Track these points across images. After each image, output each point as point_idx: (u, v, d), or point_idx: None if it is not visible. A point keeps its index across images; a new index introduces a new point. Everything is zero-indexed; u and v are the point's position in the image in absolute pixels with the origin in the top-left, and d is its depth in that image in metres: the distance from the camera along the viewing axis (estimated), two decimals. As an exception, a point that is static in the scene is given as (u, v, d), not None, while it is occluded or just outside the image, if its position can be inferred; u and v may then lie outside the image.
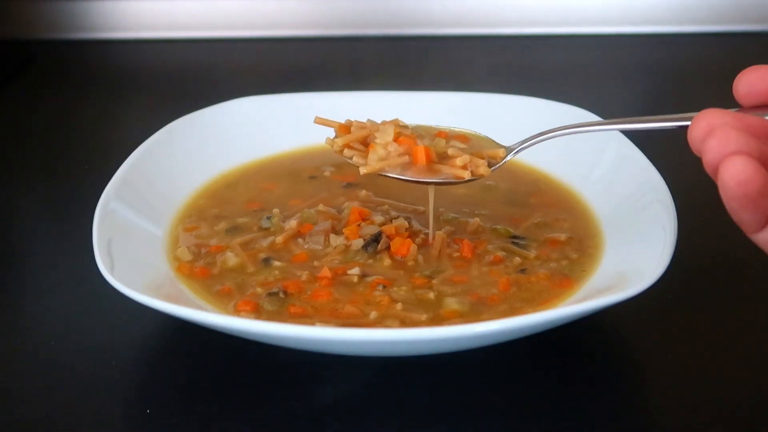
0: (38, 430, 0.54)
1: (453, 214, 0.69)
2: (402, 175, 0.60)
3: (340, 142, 0.62)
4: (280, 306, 0.60)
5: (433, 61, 1.16)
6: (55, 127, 0.98)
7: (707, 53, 1.16)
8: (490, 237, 0.66)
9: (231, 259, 0.64)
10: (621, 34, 1.18)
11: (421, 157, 0.60)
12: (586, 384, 0.56)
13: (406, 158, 0.61)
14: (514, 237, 0.66)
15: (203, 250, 0.65)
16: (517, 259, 0.64)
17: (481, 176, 0.61)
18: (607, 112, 0.77)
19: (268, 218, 0.68)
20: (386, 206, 0.70)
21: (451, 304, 0.59)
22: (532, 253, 0.64)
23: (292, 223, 0.67)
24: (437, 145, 0.62)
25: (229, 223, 0.69)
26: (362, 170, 0.61)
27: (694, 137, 0.44)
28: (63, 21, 1.19)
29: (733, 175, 0.42)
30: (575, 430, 0.53)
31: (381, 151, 0.61)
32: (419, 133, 0.64)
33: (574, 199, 0.71)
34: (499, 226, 0.68)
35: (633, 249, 0.61)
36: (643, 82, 1.10)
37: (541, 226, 0.68)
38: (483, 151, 0.63)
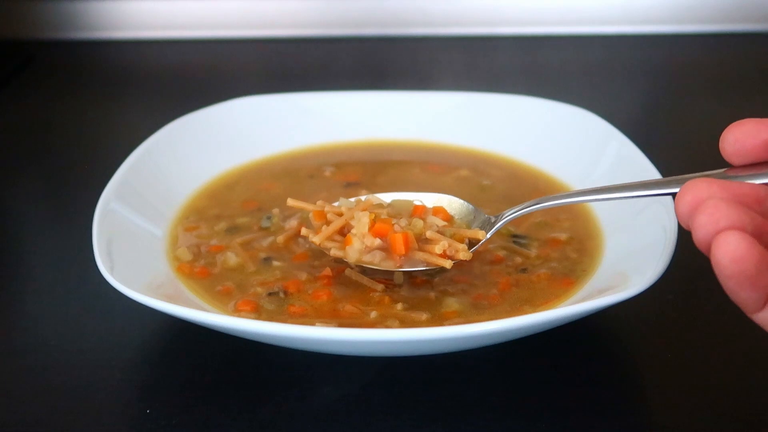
0: (38, 430, 0.54)
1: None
2: (382, 267, 0.59)
3: (317, 239, 0.61)
4: (280, 306, 0.60)
5: (434, 61, 1.16)
6: (55, 127, 0.98)
7: (707, 53, 1.16)
8: (491, 236, 0.66)
9: (231, 258, 0.64)
10: (621, 34, 1.18)
11: (399, 247, 0.59)
12: (586, 384, 0.56)
13: (383, 254, 0.60)
14: (515, 236, 0.66)
15: (203, 250, 0.66)
16: (518, 259, 0.64)
17: (461, 260, 0.59)
18: (607, 112, 0.77)
19: (268, 218, 0.69)
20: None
21: (451, 304, 0.59)
22: (533, 253, 0.64)
23: (293, 223, 0.67)
24: (415, 227, 0.61)
25: (229, 223, 0.69)
26: (349, 262, 0.60)
27: (681, 212, 0.42)
28: (63, 21, 1.19)
29: (727, 252, 0.39)
30: (575, 430, 0.53)
31: (358, 245, 0.59)
32: (395, 209, 0.63)
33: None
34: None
35: (633, 249, 0.61)
36: (644, 82, 1.10)
37: (542, 225, 0.68)
38: (462, 232, 0.61)
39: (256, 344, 0.56)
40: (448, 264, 0.58)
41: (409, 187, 0.69)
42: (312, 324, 0.56)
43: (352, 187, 0.74)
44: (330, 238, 0.61)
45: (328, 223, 0.62)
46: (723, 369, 0.57)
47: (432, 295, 0.60)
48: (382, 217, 0.61)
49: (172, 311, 0.53)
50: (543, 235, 0.67)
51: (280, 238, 0.66)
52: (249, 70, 1.15)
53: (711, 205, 0.40)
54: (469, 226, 0.63)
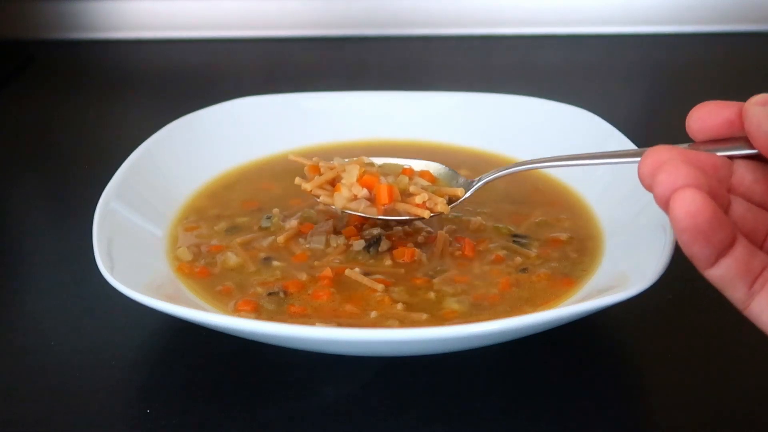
0: (38, 430, 0.54)
1: (455, 213, 0.69)
2: (366, 214, 0.63)
3: (308, 186, 0.65)
4: (280, 306, 0.60)
5: (434, 61, 1.16)
6: (55, 127, 0.98)
7: (707, 53, 1.16)
8: (492, 236, 0.66)
9: (231, 258, 0.64)
10: (621, 35, 1.18)
11: (384, 197, 0.63)
12: (586, 384, 0.56)
13: (368, 203, 0.63)
14: (516, 236, 0.66)
15: (203, 250, 0.66)
16: (518, 259, 0.64)
17: (440, 213, 0.63)
18: (607, 112, 0.77)
19: (268, 218, 0.69)
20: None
21: (452, 303, 0.59)
22: (533, 253, 0.64)
23: (293, 223, 0.67)
24: (400, 182, 0.65)
25: (228, 223, 0.69)
26: (336, 208, 0.64)
27: (643, 173, 0.45)
28: (63, 21, 1.19)
29: (682, 206, 0.42)
30: (575, 430, 0.53)
31: (346, 192, 0.63)
32: (385, 171, 0.66)
33: (574, 198, 0.71)
34: (500, 225, 0.68)
35: (633, 249, 0.61)
36: (644, 81, 1.10)
37: (542, 225, 0.68)
38: (443, 189, 0.65)
39: (256, 344, 0.56)
40: (426, 214, 0.62)
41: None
42: (312, 324, 0.56)
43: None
44: (321, 187, 0.65)
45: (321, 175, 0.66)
46: (723, 369, 0.57)
47: (432, 295, 0.60)
48: (370, 171, 0.65)
49: (172, 311, 0.53)
50: (543, 234, 0.67)
51: (280, 238, 0.66)
52: (249, 70, 1.15)
53: (671, 164, 0.43)
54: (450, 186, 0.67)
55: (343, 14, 1.19)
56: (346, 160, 0.67)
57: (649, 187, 0.45)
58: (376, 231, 0.65)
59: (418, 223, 0.67)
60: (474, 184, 0.65)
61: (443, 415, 0.54)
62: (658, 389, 0.56)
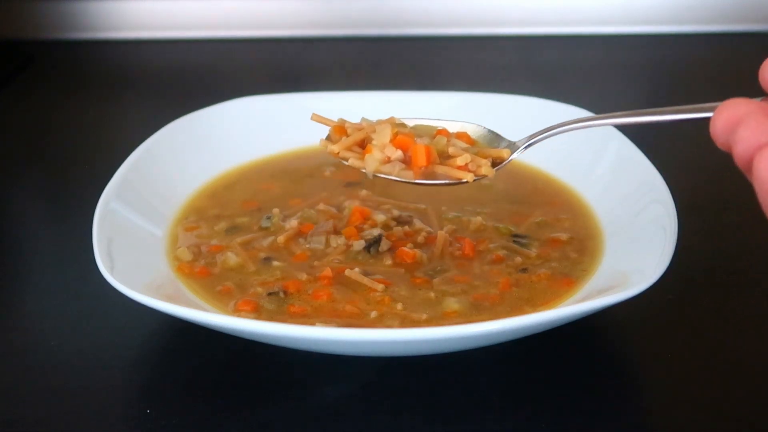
0: (38, 430, 0.54)
1: (455, 213, 0.69)
2: (401, 177, 0.58)
3: (336, 148, 0.60)
4: (280, 306, 0.60)
5: (434, 61, 1.16)
6: (55, 127, 0.98)
7: (708, 53, 1.16)
8: (492, 236, 0.66)
9: (231, 258, 0.64)
10: (622, 34, 1.18)
11: (421, 158, 0.58)
12: (586, 384, 0.56)
13: (402, 165, 0.58)
14: (516, 236, 0.66)
15: (203, 250, 0.65)
16: (518, 259, 0.64)
17: (484, 176, 0.58)
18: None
19: (268, 218, 0.68)
20: (387, 205, 0.69)
21: (452, 303, 0.59)
22: (533, 252, 0.64)
23: (293, 223, 0.67)
24: (437, 143, 0.59)
25: (228, 223, 0.69)
26: (367, 172, 0.59)
27: (718, 128, 0.41)
28: (63, 21, 1.19)
29: None
30: (575, 430, 0.53)
31: (378, 154, 0.58)
32: (418, 132, 0.61)
33: (574, 198, 0.71)
34: (500, 225, 0.68)
35: (633, 249, 0.61)
36: (644, 82, 1.10)
37: (542, 225, 0.68)
38: (486, 150, 0.60)
39: (256, 344, 0.56)
40: (469, 176, 0.57)
41: (412, 185, 0.70)
42: (312, 324, 0.56)
43: (352, 186, 0.74)
44: (349, 149, 0.60)
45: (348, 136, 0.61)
46: (723, 369, 0.57)
47: (432, 295, 0.60)
48: (404, 132, 0.60)
49: (172, 311, 0.53)
50: (543, 234, 0.67)
51: (280, 238, 0.66)
52: (249, 70, 1.15)
53: (753, 119, 0.39)
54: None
55: (343, 14, 1.19)
56: (374, 120, 0.62)
57: (724, 145, 0.41)
58: (376, 231, 0.65)
59: (418, 223, 0.67)
60: (521, 144, 0.60)
61: (443, 415, 0.54)
62: (658, 389, 0.56)
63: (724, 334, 0.60)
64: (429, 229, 0.67)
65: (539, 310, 0.58)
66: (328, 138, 0.62)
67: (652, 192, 0.65)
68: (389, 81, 1.09)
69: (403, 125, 0.61)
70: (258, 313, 0.59)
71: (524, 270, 0.63)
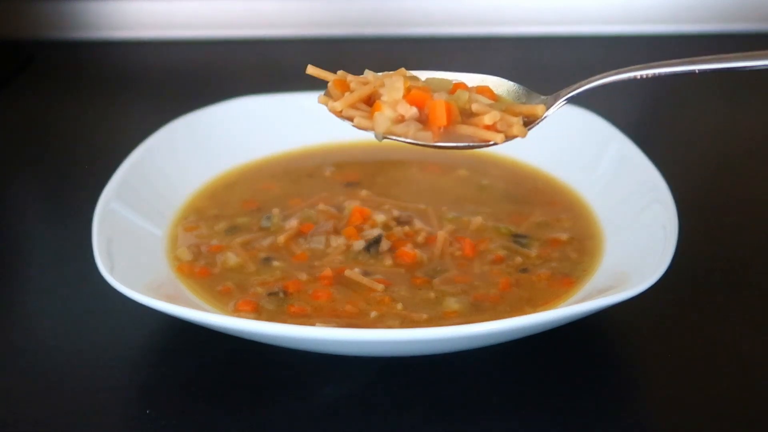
0: (38, 430, 0.54)
1: (455, 213, 0.69)
2: (417, 140, 0.50)
3: (339, 105, 0.52)
4: (280, 306, 0.60)
5: (433, 60, 1.16)
6: (55, 127, 0.98)
7: (708, 53, 1.16)
8: (492, 236, 0.66)
9: (231, 259, 0.64)
10: (621, 34, 1.18)
11: (441, 116, 0.50)
12: (586, 384, 0.56)
13: (419, 125, 0.51)
14: (516, 236, 0.66)
15: (203, 250, 0.65)
16: (519, 259, 0.64)
17: (515, 137, 0.51)
18: (607, 111, 0.77)
19: (268, 218, 0.68)
20: (387, 205, 0.69)
21: (452, 303, 0.59)
22: (533, 253, 0.64)
23: (293, 223, 0.67)
24: (459, 99, 0.51)
25: (228, 223, 0.69)
26: (376, 134, 0.51)
27: None
28: (63, 21, 1.19)
29: None
30: (575, 430, 0.53)
31: (389, 112, 0.51)
32: (432, 86, 0.53)
33: (574, 198, 0.71)
34: (500, 225, 0.67)
35: (634, 249, 0.61)
36: (644, 81, 1.10)
37: (543, 225, 0.68)
38: (515, 107, 0.52)
39: (256, 344, 0.56)
40: (499, 138, 0.50)
41: (411, 184, 0.69)
42: (312, 324, 0.56)
43: (352, 186, 0.74)
44: (354, 106, 0.52)
45: (352, 92, 0.53)
46: (723, 370, 0.57)
47: (432, 295, 0.60)
48: (419, 86, 0.52)
49: (172, 311, 0.53)
50: (543, 234, 0.67)
51: (282, 238, 0.66)
52: (249, 70, 1.15)
53: None
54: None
55: (343, 14, 1.19)
56: (380, 74, 0.54)
57: None
58: (376, 231, 0.65)
59: (418, 224, 0.67)
60: (557, 100, 0.53)
61: (443, 415, 0.54)
62: (658, 390, 0.56)
63: (724, 334, 0.60)
64: (429, 229, 0.67)
65: (539, 310, 0.58)
66: (328, 94, 0.54)
67: (652, 192, 0.65)
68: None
69: (416, 78, 0.54)
70: (258, 313, 0.59)
71: (524, 270, 0.63)
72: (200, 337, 0.59)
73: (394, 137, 0.51)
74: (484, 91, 0.54)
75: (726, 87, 1.03)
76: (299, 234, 0.66)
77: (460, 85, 0.53)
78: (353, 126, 0.52)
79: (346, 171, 0.76)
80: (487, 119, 0.50)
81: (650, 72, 0.53)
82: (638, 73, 0.53)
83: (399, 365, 0.57)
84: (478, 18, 1.19)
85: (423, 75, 0.55)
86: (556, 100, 0.53)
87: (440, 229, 0.66)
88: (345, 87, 0.53)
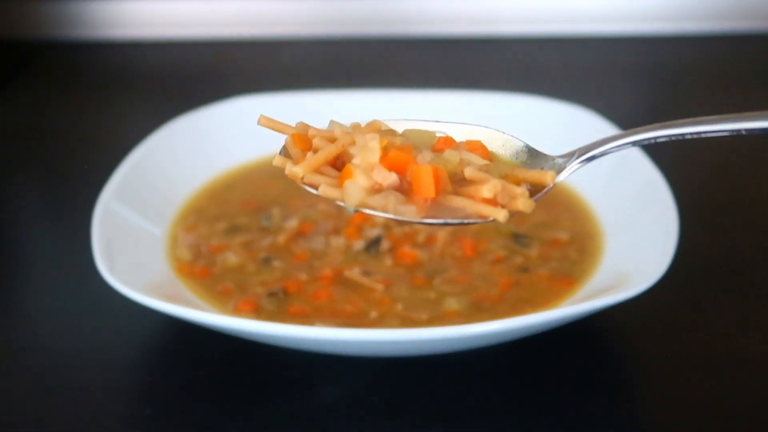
0: (38, 430, 0.54)
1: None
2: (399, 215, 0.42)
3: (299, 170, 0.43)
4: (280, 306, 0.59)
5: (433, 60, 1.16)
6: (55, 127, 0.98)
7: (709, 53, 1.16)
8: (492, 236, 0.66)
9: (231, 258, 0.64)
10: (622, 34, 1.18)
11: (427, 187, 0.41)
12: (585, 385, 0.56)
13: (400, 196, 0.42)
14: (516, 236, 0.66)
15: (203, 250, 0.65)
16: (519, 259, 0.64)
17: (519, 212, 0.42)
18: (608, 111, 0.77)
19: (268, 218, 0.68)
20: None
21: (452, 303, 0.59)
22: (534, 253, 0.64)
23: (293, 223, 0.67)
24: (448, 161, 0.43)
25: (228, 223, 0.69)
26: (347, 207, 0.43)
27: None
28: (62, 21, 1.19)
29: None
30: (575, 430, 0.53)
31: (363, 180, 0.42)
32: (411, 139, 0.45)
33: (574, 198, 0.71)
34: (501, 225, 0.67)
35: (634, 249, 0.61)
36: (645, 81, 1.10)
37: (543, 225, 0.68)
38: (518, 171, 0.43)
39: (256, 344, 0.56)
40: (501, 215, 0.41)
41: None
42: (312, 324, 0.56)
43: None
44: (319, 171, 0.43)
45: (314, 151, 0.44)
46: (724, 370, 0.57)
47: (432, 295, 0.60)
48: (397, 145, 0.43)
49: (172, 311, 0.53)
50: (544, 234, 0.67)
51: (282, 238, 0.66)
52: (249, 70, 1.15)
53: None
54: (519, 166, 0.45)
55: (342, 14, 1.19)
56: (348, 124, 0.46)
57: None
58: (376, 231, 0.65)
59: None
60: (569, 161, 0.44)
61: (443, 415, 0.54)
62: (658, 390, 0.56)
63: (725, 335, 0.60)
64: (429, 229, 0.67)
65: (539, 310, 0.58)
66: (285, 153, 0.46)
67: (652, 192, 0.65)
68: (389, 80, 1.09)
69: (393, 132, 0.45)
70: (258, 313, 0.59)
71: (524, 270, 0.63)
72: (200, 337, 0.59)
73: (369, 211, 0.42)
74: (475, 147, 0.45)
75: (726, 87, 1.03)
76: (299, 234, 0.66)
77: (447, 141, 0.45)
78: (319, 195, 0.43)
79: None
80: (486, 191, 0.41)
81: (675, 132, 0.44)
82: (664, 133, 0.45)
83: (399, 365, 0.57)
84: (478, 17, 1.19)
85: (400, 125, 0.46)
86: (567, 161, 0.44)
87: (440, 229, 0.66)
88: (307, 143, 0.45)
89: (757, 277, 0.67)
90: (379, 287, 0.60)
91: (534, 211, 0.65)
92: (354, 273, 0.61)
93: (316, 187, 0.43)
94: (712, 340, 0.60)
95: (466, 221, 0.42)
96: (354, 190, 0.42)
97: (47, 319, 0.64)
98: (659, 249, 0.57)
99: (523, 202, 0.41)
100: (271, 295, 0.60)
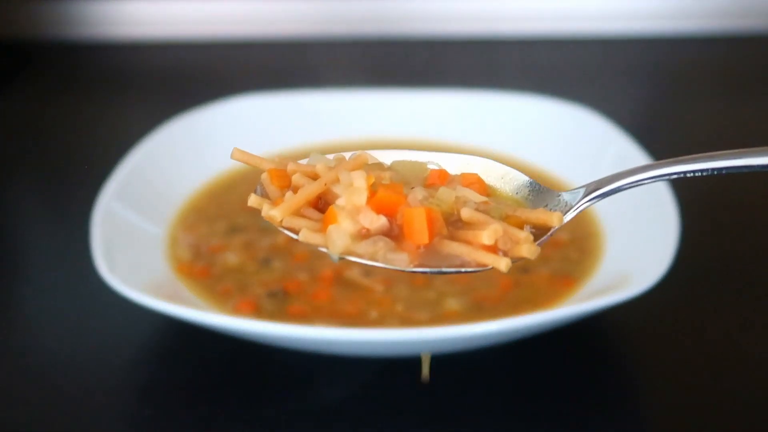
0: (38, 430, 0.53)
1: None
2: (389, 264, 0.38)
3: (277, 213, 0.39)
4: (280, 306, 0.59)
5: (433, 59, 1.16)
6: (54, 127, 0.98)
7: (710, 53, 1.16)
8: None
9: (231, 258, 0.64)
10: (623, 34, 1.18)
11: (420, 232, 0.37)
12: (586, 384, 0.56)
13: (389, 242, 0.39)
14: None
15: (203, 250, 0.65)
16: (519, 259, 0.64)
17: (523, 259, 0.38)
18: (609, 110, 0.77)
19: (268, 218, 0.68)
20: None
21: (452, 303, 0.59)
22: (533, 253, 0.64)
23: (293, 223, 0.67)
24: (442, 200, 0.39)
25: (228, 223, 0.69)
26: (331, 254, 0.38)
27: None
28: (62, 21, 1.19)
29: None
30: (575, 430, 0.53)
31: (348, 225, 0.38)
32: (401, 173, 0.41)
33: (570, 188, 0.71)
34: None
35: (634, 249, 0.61)
36: (646, 80, 1.10)
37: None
38: (520, 211, 0.39)
39: (256, 344, 0.56)
40: (503, 265, 0.38)
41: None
42: (312, 324, 0.56)
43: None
44: (298, 213, 0.39)
45: (294, 190, 0.40)
46: (724, 371, 0.57)
47: (432, 295, 0.60)
48: (385, 182, 0.39)
49: (172, 311, 0.53)
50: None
51: (281, 238, 0.66)
52: (249, 70, 1.15)
53: None
54: (521, 204, 0.41)
55: (342, 14, 1.19)
56: (330, 156, 0.41)
57: None
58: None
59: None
60: (577, 199, 0.40)
61: (443, 415, 0.54)
62: (658, 390, 0.56)
63: (725, 335, 0.60)
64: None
65: (540, 311, 0.58)
66: (262, 193, 0.42)
67: (652, 192, 0.65)
68: (389, 80, 1.09)
69: (381, 166, 0.41)
70: (258, 313, 0.59)
71: (525, 270, 0.63)
72: (200, 337, 0.59)
73: (356, 259, 0.38)
74: (471, 182, 0.40)
75: (727, 86, 1.03)
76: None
77: (441, 176, 0.40)
78: (300, 240, 0.38)
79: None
80: (486, 238, 0.37)
81: (690, 168, 0.40)
82: (678, 169, 0.40)
83: (399, 365, 0.57)
84: (478, 17, 1.19)
85: (389, 156, 0.42)
86: (575, 198, 0.40)
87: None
88: (285, 180, 0.40)
89: (758, 277, 0.67)
90: (379, 287, 0.60)
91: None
92: (354, 273, 0.61)
93: (297, 232, 0.39)
94: (712, 340, 0.60)
95: (463, 270, 0.38)
96: (338, 237, 0.38)
97: (47, 319, 0.64)
98: (659, 249, 0.57)
99: (527, 249, 0.37)
100: (271, 295, 0.60)
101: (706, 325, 0.61)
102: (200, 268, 0.63)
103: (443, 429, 0.53)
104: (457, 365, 0.57)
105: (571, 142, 0.74)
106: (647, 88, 1.09)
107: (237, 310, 0.59)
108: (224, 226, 0.69)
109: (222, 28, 1.19)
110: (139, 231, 0.65)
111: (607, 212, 0.68)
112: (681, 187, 0.66)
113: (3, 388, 0.57)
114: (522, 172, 0.42)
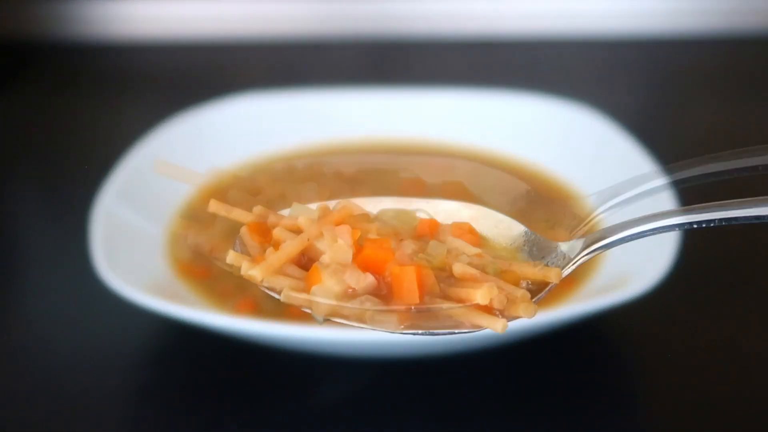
0: (38, 430, 0.53)
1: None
2: (377, 326, 0.35)
3: (258, 273, 0.37)
4: (280, 306, 0.59)
5: (434, 59, 1.16)
6: (53, 127, 0.98)
7: (711, 54, 1.16)
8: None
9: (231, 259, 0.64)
10: (624, 34, 1.18)
11: (410, 292, 0.35)
12: (586, 385, 0.56)
13: (377, 302, 0.35)
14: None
15: (203, 250, 0.65)
16: (518, 259, 0.63)
17: (518, 318, 0.35)
18: (610, 110, 0.77)
19: (268, 218, 0.68)
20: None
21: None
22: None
23: (293, 223, 0.67)
24: (433, 255, 0.36)
25: (229, 223, 0.69)
26: (315, 316, 0.36)
27: None
28: (62, 21, 1.19)
29: None
30: (575, 430, 0.53)
31: (333, 284, 0.35)
32: (389, 229, 0.38)
33: (574, 198, 0.71)
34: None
35: (634, 250, 0.61)
36: (647, 81, 1.10)
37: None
38: (515, 266, 0.36)
39: (256, 344, 0.56)
40: (499, 326, 0.34)
41: (408, 189, 0.66)
42: (312, 324, 0.56)
43: (352, 185, 0.73)
44: (279, 272, 0.37)
45: (275, 245, 0.38)
46: (724, 371, 0.57)
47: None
48: (371, 236, 0.37)
49: (172, 311, 0.53)
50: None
51: (280, 238, 0.66)
52: (248, 70, 1.15)
53: None
54: (516, 256, 0.38)
55: (342, 14, 1.19)
56: (313, 205, 0.39)
57: None
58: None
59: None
60: (576, 251, 0.38)
61: (443, 415, 0.54)
62: (658, 390, 0.56)
63: (725, 335, 0.60)
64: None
65: (540, 311, 0.58)
66: (242, 248, 0.40)
67: (652, 192, 0.64)
68: (389, 80, 1.09)
69: (366, 216, 0.39)
70: (258, 313, 0.59)
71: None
72: (200, 337, 0.58)
73: (342, 320, 0.35)
74: (463, 231, 0.38)
75: (728, 87, 1.03)
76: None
77: (431, 226, 0.38)
78: (282, 300, 0.36)
79: (347, 170, 0.76)
80: (480, 298, 0.34)
81: (696, 219, 0.39)
82: (683, 220, 0.38)
83: (399, 365, 0.57)
84: (478, 16, 1.19)
85: (375, 204, 0.40)
86: (573, 250, 0.38)
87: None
88: (265, 233, 0.39)
89: (757, 277, 0.67)
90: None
91: (534, 211, 0.66)
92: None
93: (278, 291, 0.36)
94: (712, 340, 0.60)
95: (456, 331, 0.35)
96: (323, 294, 0.35)
97: (47, 319, 0.64)
98: (660, 249, 0.57)
99: (524, 308, 0.35)
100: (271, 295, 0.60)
101: (705, 325, 0.61)
102: (200, 268, 0.63)
103: (443, 429, 0.53)
104: (457, 365, 0.57)
105: (572, 142, 0.74)
106: (648, 88, 1.09)
107: (237, 310, 0.59)
108: (224, 226, 0.68)
109: (222, 28, 1.19)
110: (139, 231, 0.65)
111: (607, 213, 0.68)
112: (681, 187, 0.66)
113: (3, 388, 0.57)
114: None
